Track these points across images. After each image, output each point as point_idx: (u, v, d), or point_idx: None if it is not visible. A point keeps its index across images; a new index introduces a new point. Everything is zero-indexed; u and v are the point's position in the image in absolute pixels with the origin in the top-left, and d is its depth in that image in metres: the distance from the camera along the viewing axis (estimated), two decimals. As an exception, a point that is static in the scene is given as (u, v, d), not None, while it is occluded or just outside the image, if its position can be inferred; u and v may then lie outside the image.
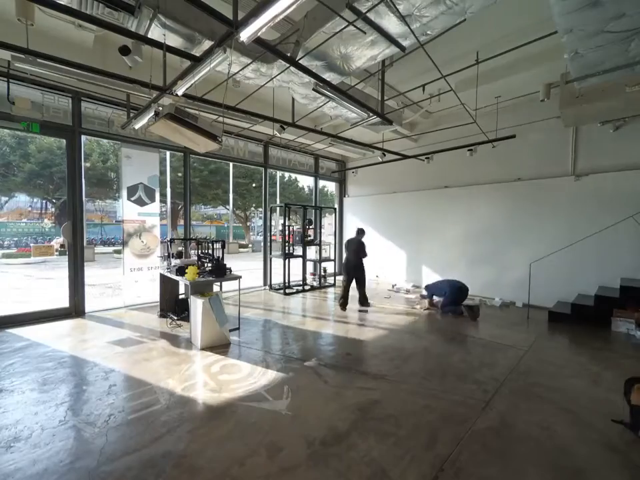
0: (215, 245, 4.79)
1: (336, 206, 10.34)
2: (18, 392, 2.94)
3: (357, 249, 5.99)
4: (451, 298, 5.91)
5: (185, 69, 3.41)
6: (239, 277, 4.68)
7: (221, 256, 4.76)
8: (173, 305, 5.32)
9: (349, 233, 10.19)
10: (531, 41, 3.85)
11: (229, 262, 4.95)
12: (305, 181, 24.46)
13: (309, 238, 7.93)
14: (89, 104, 5.42)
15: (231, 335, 4.35)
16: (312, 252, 8.75)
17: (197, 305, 4.10)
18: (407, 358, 3.82)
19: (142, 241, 6.02)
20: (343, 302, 5.97)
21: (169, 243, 5.38)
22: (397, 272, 8.75)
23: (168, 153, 6.67)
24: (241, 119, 5.29)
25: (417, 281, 8.26)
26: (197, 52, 3.47)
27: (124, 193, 5.83)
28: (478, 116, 5.70)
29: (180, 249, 5.55)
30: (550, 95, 5.13)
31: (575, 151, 5.97)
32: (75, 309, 5.38)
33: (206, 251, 4.97)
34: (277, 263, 8.05)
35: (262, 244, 8.76)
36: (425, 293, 6.67)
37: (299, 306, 6.47)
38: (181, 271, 4.57)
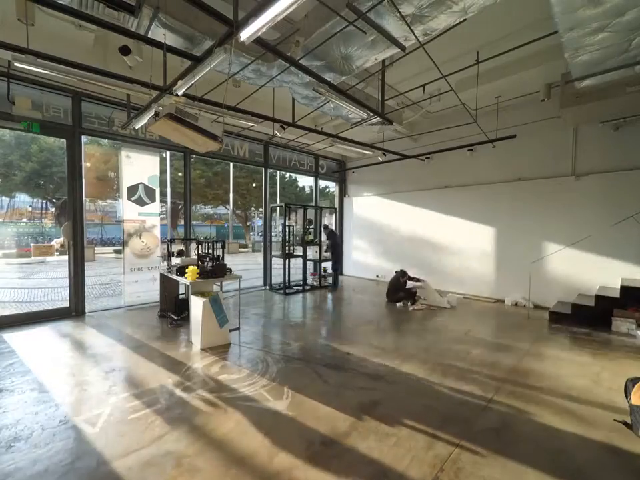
0: (215, 244, 4.78)
1: (336, 206, 10.35)
2: (18, 392, 2.94)
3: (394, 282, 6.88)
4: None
5: (185, 68, 3.41)
6: (239, 277, 4.68)
7: (221, 255, 4.76)
8: (173, 305, 5.32)
9: (349, 233, 10.21)
10: (531, 41, 3.85)
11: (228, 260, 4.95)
12: (305, 181, 24.47)
13: (309, 237, 7.93)
14: (89, 104, 5.43)
15: (231, 335, 4.35)
16: (313, 252, 8.74)
17: (197, 305, 4.10)
18: (407, 358, 3.82)
19: (142, 241, 6.02)
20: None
21: (169, 243, 5.38)
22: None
23: (168, 152, 6.67)
24: (241, 119, 5.29)
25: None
26: (197, 52, 3.47)
27: (124, 192, 5.83)
28: (478, 116, 5.70)
29: (180, 248, 5.55)
30: (550, 95, 5.14)
31: (575, 150, 5.96)
32: (75, 309, 5.38)
33: (206, 251, 4.96)
34: (277, 263, 8.06)
35: (262, 244, 8.76)
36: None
37: (299, 306, 6.47)
38: (181, 270, 4.57)
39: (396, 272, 6.93)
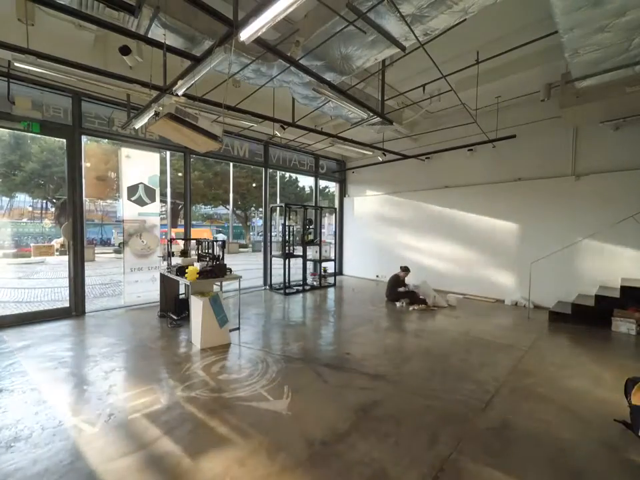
0: (215, 244, 4.79)
1: (336, 206, 10.35)
2: (18, 392, 2.94)
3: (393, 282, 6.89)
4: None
5: (185, 68, 3.42)
6: (239, 277, 4.68)
7: (221, 256, 4.76)
8: (173, 305, 5.32)
9: (349, 233, 10.21)
10: (531, 41, 3.85)
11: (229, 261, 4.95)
12: (305, 181, 24.49)
13: (308, 237, 7.93)
14: (89, 104, 5.42)
15: (231, 335, 4.35)
16: (313, 252, 8.73)
17: (197, 305, 4.10)
18: (407, 358, 3.82)
19: (142, 241, 6.02)
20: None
21: (169, 243, 5.38)
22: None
23: (168, 152, 6.67)
24: (241, 119, 5.29)
25: (419, 280, 8.25)
26: (197, 52, 3.47)
27: (124, 192, 5.83)
28: (478, 116, 5.70)
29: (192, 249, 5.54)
30: (550, 95, 5.13)
31: (575, 150, 5.96)
32: (76, 309, 5.38)
33: (206, 251, 4.97)
34: (277, 263, 8.06)
35: (262, 244, 8.77)
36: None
37: (299, 306, 6.47)
38: (181, 271, 4.57)
39: (401, 267, 6.97)
